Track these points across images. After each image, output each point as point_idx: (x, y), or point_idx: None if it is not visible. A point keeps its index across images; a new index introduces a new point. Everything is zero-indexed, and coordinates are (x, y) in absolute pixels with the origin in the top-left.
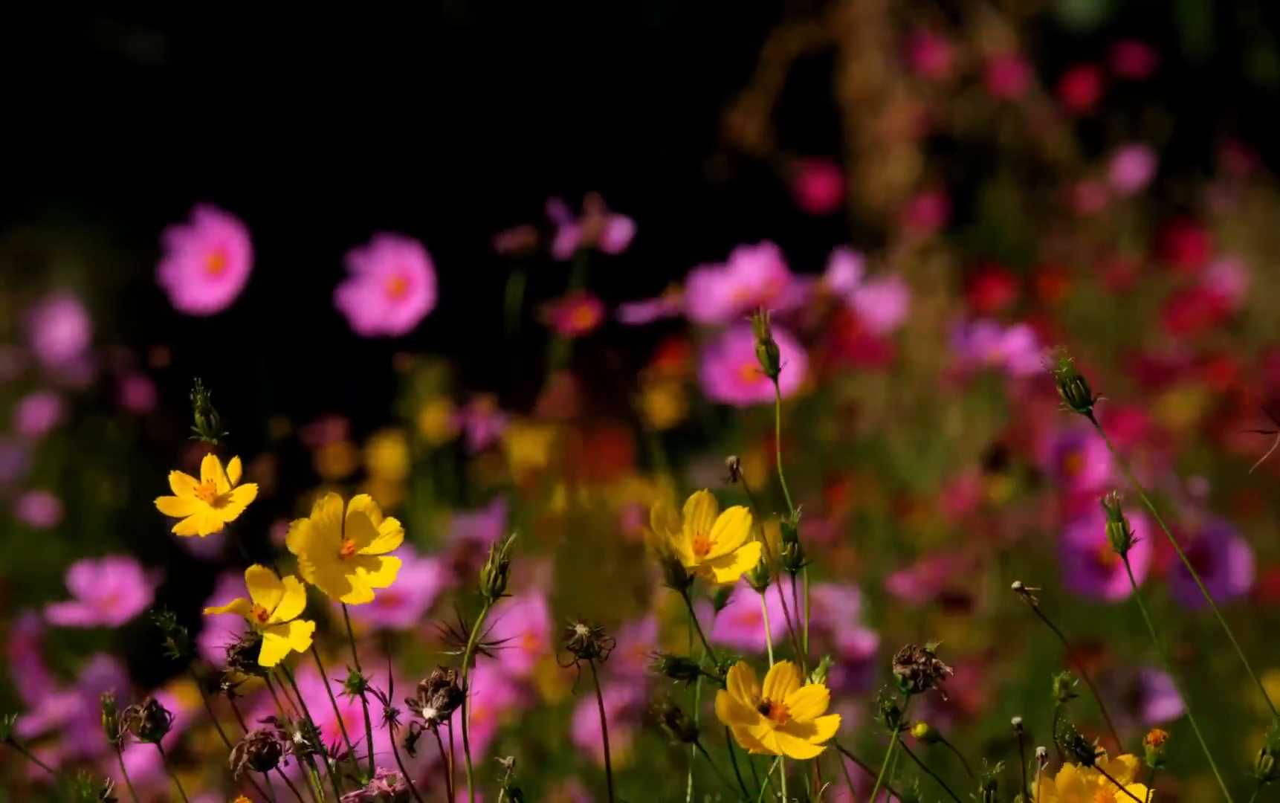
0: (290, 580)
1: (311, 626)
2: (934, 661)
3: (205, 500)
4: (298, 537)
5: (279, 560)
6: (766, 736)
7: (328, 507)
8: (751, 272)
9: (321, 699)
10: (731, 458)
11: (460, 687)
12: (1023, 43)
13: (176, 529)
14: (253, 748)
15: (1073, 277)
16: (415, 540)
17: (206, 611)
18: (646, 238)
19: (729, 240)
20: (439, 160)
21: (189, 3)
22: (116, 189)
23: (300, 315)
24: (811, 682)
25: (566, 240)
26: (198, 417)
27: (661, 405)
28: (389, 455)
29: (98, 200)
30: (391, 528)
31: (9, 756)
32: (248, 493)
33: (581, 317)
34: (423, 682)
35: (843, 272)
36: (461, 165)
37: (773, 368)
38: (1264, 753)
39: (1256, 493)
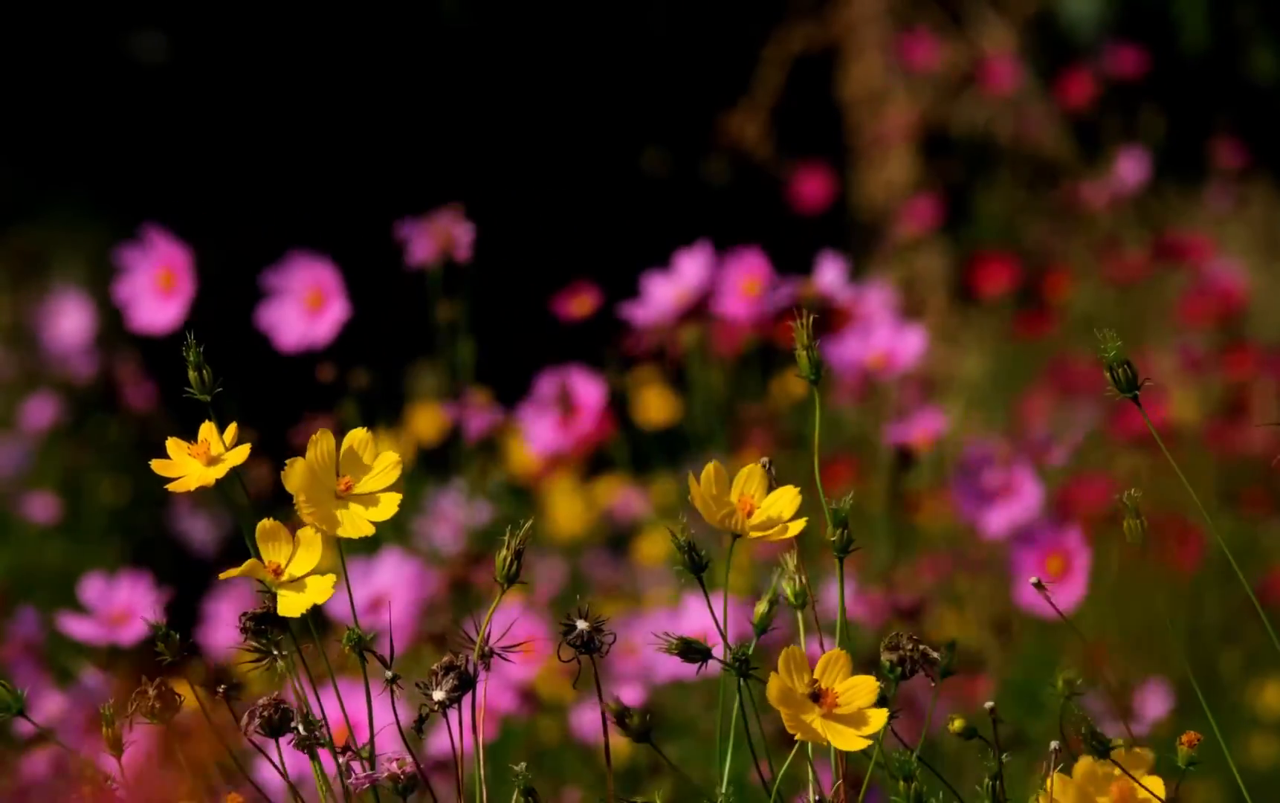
0: (304, 534)
1: (332, 578)
2: (921, 647)
3: (199, 460)
4: (294, 477)
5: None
6: (815, 721)
7: (321, 444)
8: (693, 273)
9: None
10: (765, 459)
11: (471, 672)
12: (1022, 43)
13: (170, 486)
14: (265, 713)
15: (1071, 275)
16: (407, 541)
17: (222, 575)
18: (646, 239)
19: (727, 241)
20: (438, 157)
21: (192, 4)
22: (120, 189)
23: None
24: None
25: (420, 251)
26: (191, 373)
27: (655, 406)
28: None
29: (101, 200)
30: (389, 461)
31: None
32: (240, 454)
33: (580, 304)
34: (434, 666)
35: (829, 273)
36: (461, 165)
37: (813, 373)
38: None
39: (1263, 492)
